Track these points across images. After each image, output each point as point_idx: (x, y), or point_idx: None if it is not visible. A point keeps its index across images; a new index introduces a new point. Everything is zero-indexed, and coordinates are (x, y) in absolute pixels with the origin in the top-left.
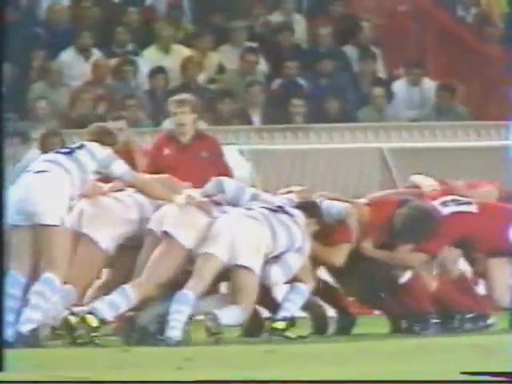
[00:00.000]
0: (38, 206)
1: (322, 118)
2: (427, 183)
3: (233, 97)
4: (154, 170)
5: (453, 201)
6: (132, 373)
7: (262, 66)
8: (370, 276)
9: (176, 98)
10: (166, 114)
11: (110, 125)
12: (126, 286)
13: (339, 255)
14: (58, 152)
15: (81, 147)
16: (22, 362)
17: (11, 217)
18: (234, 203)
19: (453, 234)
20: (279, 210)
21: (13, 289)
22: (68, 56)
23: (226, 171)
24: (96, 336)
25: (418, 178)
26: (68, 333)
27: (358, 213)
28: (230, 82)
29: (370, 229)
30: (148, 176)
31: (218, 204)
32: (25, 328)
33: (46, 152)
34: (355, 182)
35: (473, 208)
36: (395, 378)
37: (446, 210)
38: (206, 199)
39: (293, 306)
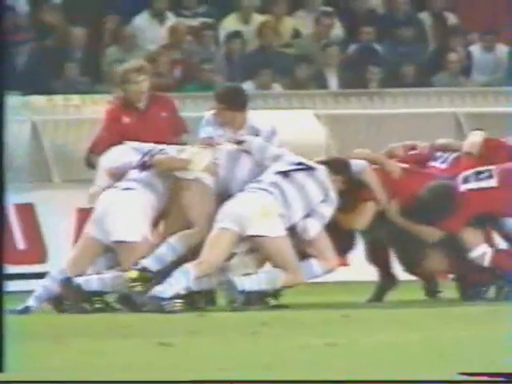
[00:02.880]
0: (120, 225)
1: (397, 82)
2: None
3: (309, 61)
4: (116, 139)
5: (475, 174)
6: (207, 338)
7: (338, 30)
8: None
9: (133, 65)
10: (242, 78)
11: None
12: (171, 239)
13: (360, 219)
14: (141, 166)
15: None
16: (100, 326)
17: (88, 225)
18: (259, 161)
19: (472, 211)
20: (298, 167)
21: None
22: (142, 20)
23: (183, 127)
24: (135, 286)
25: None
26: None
27: (386, 171)
28: (306, 46)
29: (398, 192)
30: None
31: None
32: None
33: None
34: None
35: (493, 182)
36: (469, 343)
37: (464, 187)
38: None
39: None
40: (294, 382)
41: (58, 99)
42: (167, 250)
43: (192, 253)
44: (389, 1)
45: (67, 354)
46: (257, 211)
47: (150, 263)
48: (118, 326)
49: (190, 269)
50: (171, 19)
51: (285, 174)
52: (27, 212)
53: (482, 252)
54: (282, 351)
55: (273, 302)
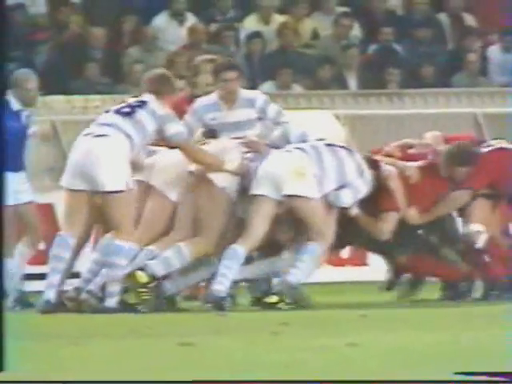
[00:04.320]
0: (101, 173)
1: (416, 83)
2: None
3: (330, 62)
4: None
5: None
6: (227, 337)
7: (356, 31)
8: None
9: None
10: (262, 78)
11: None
12: (181, 244)
13: (384, 228)
14: (118, 112)
15: (142, 105)
16: (117, 327)
17: (67, 180)
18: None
19: (493, 169)
20: (340, 144)
21: (60, 249)
22: (162, 21)
23: None
24: (144, 292)
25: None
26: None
27: (406, 176)
28: (326, 47)
29: (418, 194)
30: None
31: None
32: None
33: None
34: None
35: None
36: (488, 343)
37: (485, 149)
38: (253, 138)
39: (300, 271)
40: (313, 381)
41: (78, 100)
42: (175, 255)
43: None
44: (407, 1)
45: (85, 355)
46: (291, 170)
47: (157, 268)
48: (138, 327)
49: (238, 248)
50: (191, 20)
51: (327, 144)
52: (47, 212)
53: (476, 230)
54: (302, 351)
55: (284, 306)
